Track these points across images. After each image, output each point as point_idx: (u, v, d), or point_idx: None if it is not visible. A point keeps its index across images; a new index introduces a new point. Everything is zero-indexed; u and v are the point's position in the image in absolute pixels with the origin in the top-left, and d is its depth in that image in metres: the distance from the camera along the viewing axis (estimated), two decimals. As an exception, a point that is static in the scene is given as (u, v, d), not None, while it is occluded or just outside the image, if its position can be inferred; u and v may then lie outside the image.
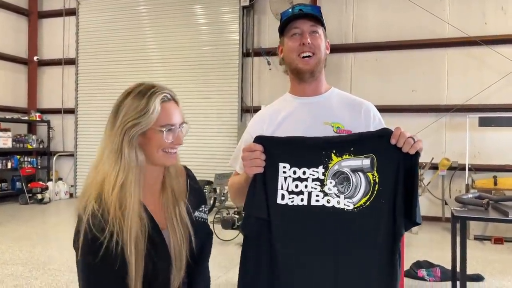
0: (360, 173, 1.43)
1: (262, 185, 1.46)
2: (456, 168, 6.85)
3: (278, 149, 1.48)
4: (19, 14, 9.40)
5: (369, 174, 1.43)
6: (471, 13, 6.99)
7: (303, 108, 1.64)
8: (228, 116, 8.22)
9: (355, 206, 1.42)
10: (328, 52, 1.69)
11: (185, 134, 1.41)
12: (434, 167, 6.76)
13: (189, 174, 1.54)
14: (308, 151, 1.46)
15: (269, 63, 7.88)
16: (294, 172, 1.46)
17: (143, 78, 8.63)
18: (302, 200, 1.44)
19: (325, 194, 1.44)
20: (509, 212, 3.15)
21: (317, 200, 1.44)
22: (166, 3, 8.59)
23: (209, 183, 6.75)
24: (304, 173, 1.45)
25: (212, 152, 8.12)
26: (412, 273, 4.29)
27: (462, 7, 7.03)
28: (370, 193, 1.42)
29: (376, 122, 1.62)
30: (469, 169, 6.64)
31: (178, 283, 1.37)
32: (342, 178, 1.43)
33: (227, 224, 5.33)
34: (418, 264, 4.42)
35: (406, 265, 4.33)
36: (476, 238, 5.84)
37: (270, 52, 7.71)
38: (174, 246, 1.37)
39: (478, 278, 4.22)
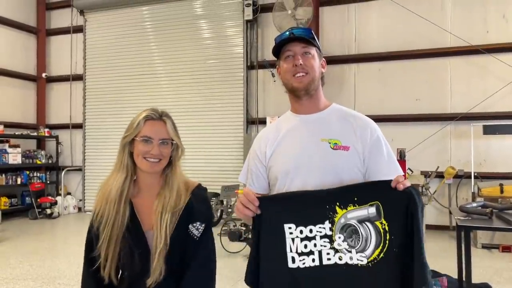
0: (368, 223, 1.36)
1: (268, 251, 1.44)
2: (462, 177, 6.85)
3: (280, 209, 1.44)
4: (28, 32, 9.61)
5: (378, 223, 1.35)
6: (472, 21, 7.04)
7: (301, 125, 1.70)
8: (233, 128, 8.30)
9: (369, 260, 1.35)
10: (324, 70, 1.75)
11: (170, 151, 1.67)
12: (440, 175, 6.77)
13: (194, 192, 1.71)
14: (311, 206, 1.42)
15: (273, 75, 7.96)
16: (301, 232, 1.41)
17: (149, 92, 8.79)
18: (313, 260, 1.39)
19: (336, 251, 1.38)
20: (512, 220, 3.17)
21: (328, 259, 1.39)
22: (171, 18, 8.75)
23: (215, 195, 6.80)
24: (311, 231, 1.40)
25: (218, 165, 8.19)
26: (419, 283, 4.28)
27: (463, 16, 7.09)
28: (382, 244, 1.35)
29: (373, 139, 1.63)
30: (475, 177, 6.63)
31: (155, 278, 1.59)
32: (350, 231, 1.38)
33: (234, 236, 5.37)
34: (425, 274, 4.41)
35: (413, 274, 4.33)
36: (484, 246, 5.82)
37: (274, 65, 7.76)
38: (156, 245, 1.60)
39: (485, 287, 4.21)
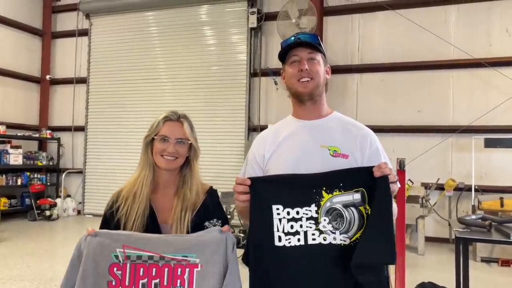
0: (353, 208, 1.45)
1: (256, 229, 1.49)
2: (462, 189, 6.83)
3: (269, 191, 1.50)
4: (33, 34, 9.68)
5: (362, 208, 1.44)
6: (476, 35, 7.06)
7: (302, 130, 1.70)
8: (235, 135, 8.31)
9: (351, 241, 1.43)
10: (328, 77, 1.75)
11: (186, 150, 1.78)
12: (441, 187, 6.75)
13: (209, 192, 1.82)
14: (299, 189, 1.48)
15: (276, 83, 8.00)
16: (288, 213, 1.47)
17: (152, 97, 8.81)
18: (299, 240, 1.45)
19: (321, 232, 1.45)
20: (510, 233, 3.16)
21: (313, 239, 1.45)
22: (176, 24, 8.81)
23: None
24: (297, 212, 1.47)
25: (218, 171, 8.17)
26: (416, 295, 4.25)
27: (467, 29, 7.11)
28: (364, 227, 1.43)
29: (372, 149, 1.64)
30: (476, 190, 6.61)
31: None
32: (335, 215, 1.45)
33: (232, 242, 5.34)
34: (423, 286, 4.39)
35: (411, 286, 4.30)
36: (483, 260, 5.78)
37: (277, 73, 7.82)
38: None
39: (484, 300, 4.18)
